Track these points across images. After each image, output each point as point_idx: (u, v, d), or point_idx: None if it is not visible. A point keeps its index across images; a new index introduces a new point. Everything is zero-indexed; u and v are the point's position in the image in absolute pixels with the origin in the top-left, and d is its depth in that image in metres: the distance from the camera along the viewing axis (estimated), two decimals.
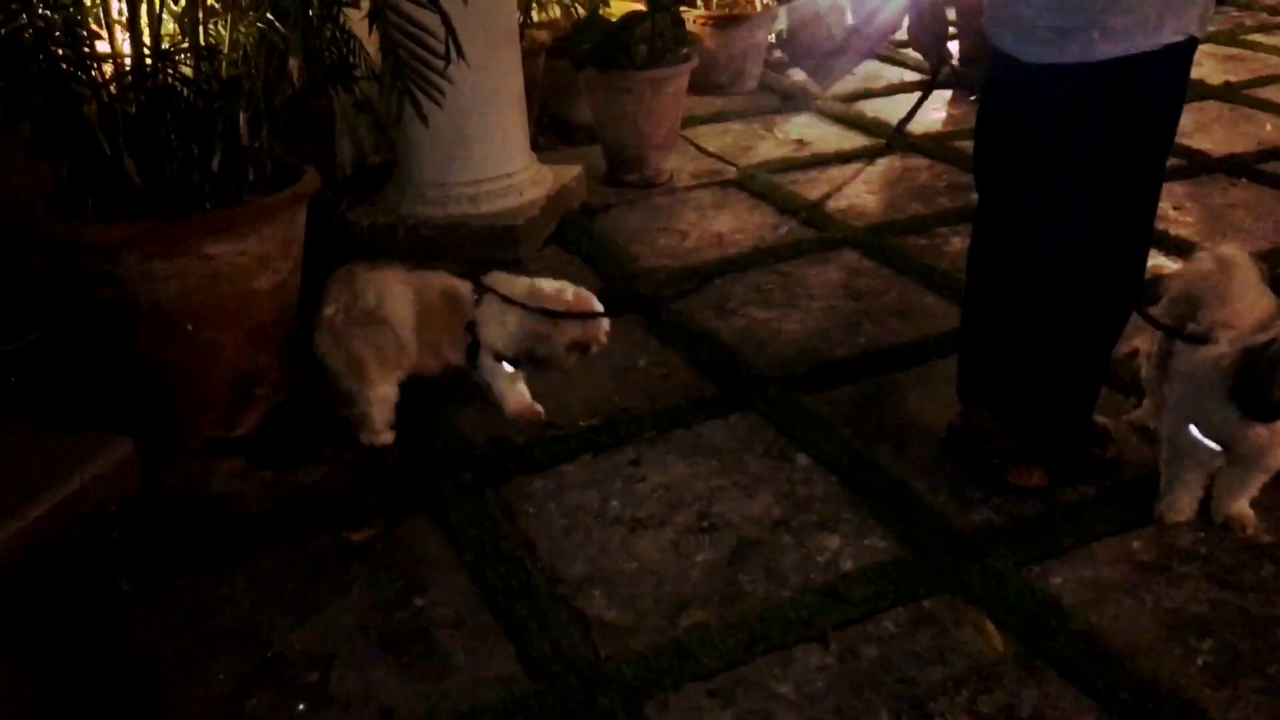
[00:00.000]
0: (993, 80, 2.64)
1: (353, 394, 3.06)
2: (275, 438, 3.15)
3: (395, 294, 3.02)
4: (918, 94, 3.08)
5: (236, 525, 2.82)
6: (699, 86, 5.82)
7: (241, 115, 2.95)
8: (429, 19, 2.92)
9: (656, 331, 3.69)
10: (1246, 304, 2.68)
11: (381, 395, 3.07)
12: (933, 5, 2.82)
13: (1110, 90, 2.43)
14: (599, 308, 3.14)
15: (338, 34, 3.08)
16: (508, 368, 3.16)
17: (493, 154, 4.20)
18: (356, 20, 3.12)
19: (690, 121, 5.62)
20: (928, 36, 2.85)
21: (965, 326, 2.93)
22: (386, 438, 3.09)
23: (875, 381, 3.35)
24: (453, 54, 2.88)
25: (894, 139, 2.80)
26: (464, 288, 3.11)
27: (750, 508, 2.81)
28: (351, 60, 3.20)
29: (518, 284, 3.12)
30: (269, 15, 2.85)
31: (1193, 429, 2.60)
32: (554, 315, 3.04)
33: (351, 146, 4.65)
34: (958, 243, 4.21)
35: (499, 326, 3.07)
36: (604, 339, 3.16)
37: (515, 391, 3.21)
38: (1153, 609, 2.44)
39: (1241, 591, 2.47)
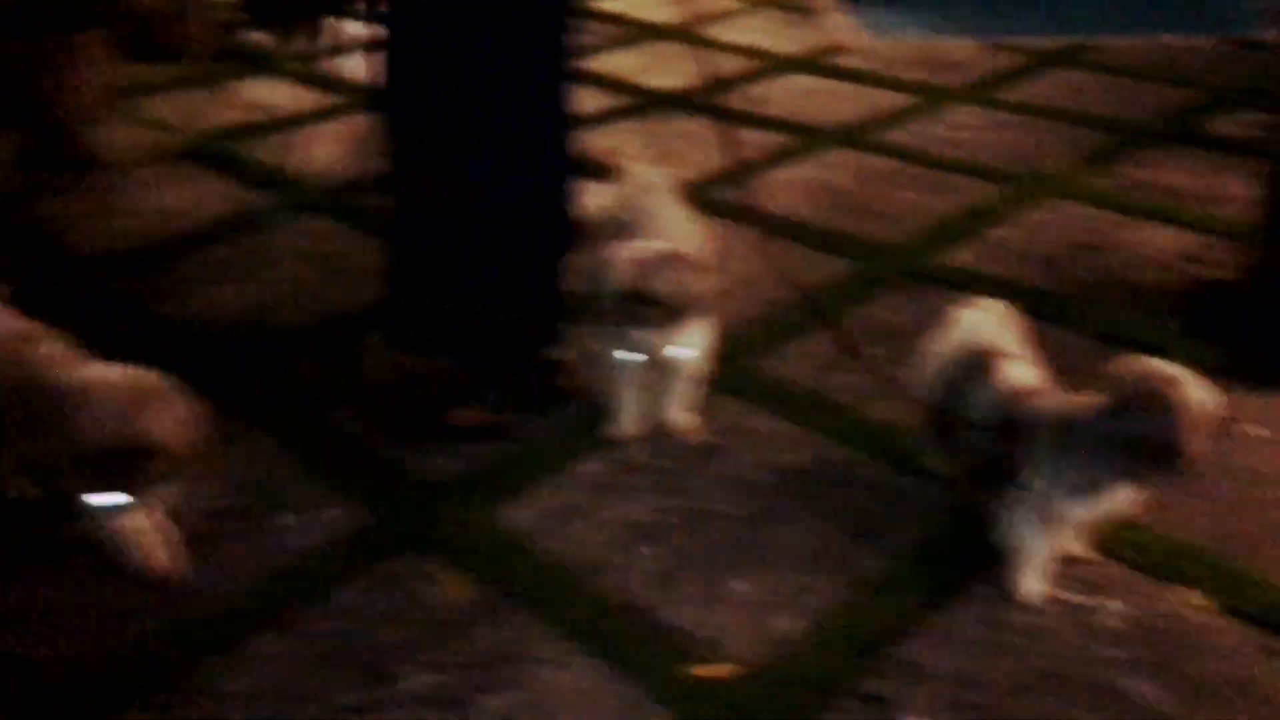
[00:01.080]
0: (391, 12, 2.56)
1: None
2: None
3: None
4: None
5: None
6: (144, 53, 5.33)
7: None
8: None
9: (101, 324, 3.31)
10: (669, 220, 2.84)
11: None
12: None
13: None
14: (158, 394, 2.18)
15: None
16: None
17: None
18: None
19: (134, 91, 5.12)
20: None
21: (392, 273, 2.84)
22: None
23: (342, 345, 3.22)
24: None
25: None
26: (65, 368, 2.21)
27: (200, 499, 2.58)
28: None
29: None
30: None
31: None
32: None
33: None
34: None
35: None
36: (180, 439, 2.17)
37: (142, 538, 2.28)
38: (607, 526, 2.52)
39: (685, 494, 2.62)
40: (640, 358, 2.70)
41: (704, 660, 2.15)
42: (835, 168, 4.46)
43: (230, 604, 2.29)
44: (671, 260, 2.53)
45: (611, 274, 2.49)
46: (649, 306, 2.50)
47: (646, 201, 2.93)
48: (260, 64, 5.70)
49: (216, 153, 4.56)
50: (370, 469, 2.69)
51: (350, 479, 2.65)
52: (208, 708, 2.06)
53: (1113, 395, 2.08)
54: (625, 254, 2.52)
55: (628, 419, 2.79)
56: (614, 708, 2.06)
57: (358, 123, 4.93)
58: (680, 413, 2.82)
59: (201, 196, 4.18)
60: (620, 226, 2.84)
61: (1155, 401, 2.01)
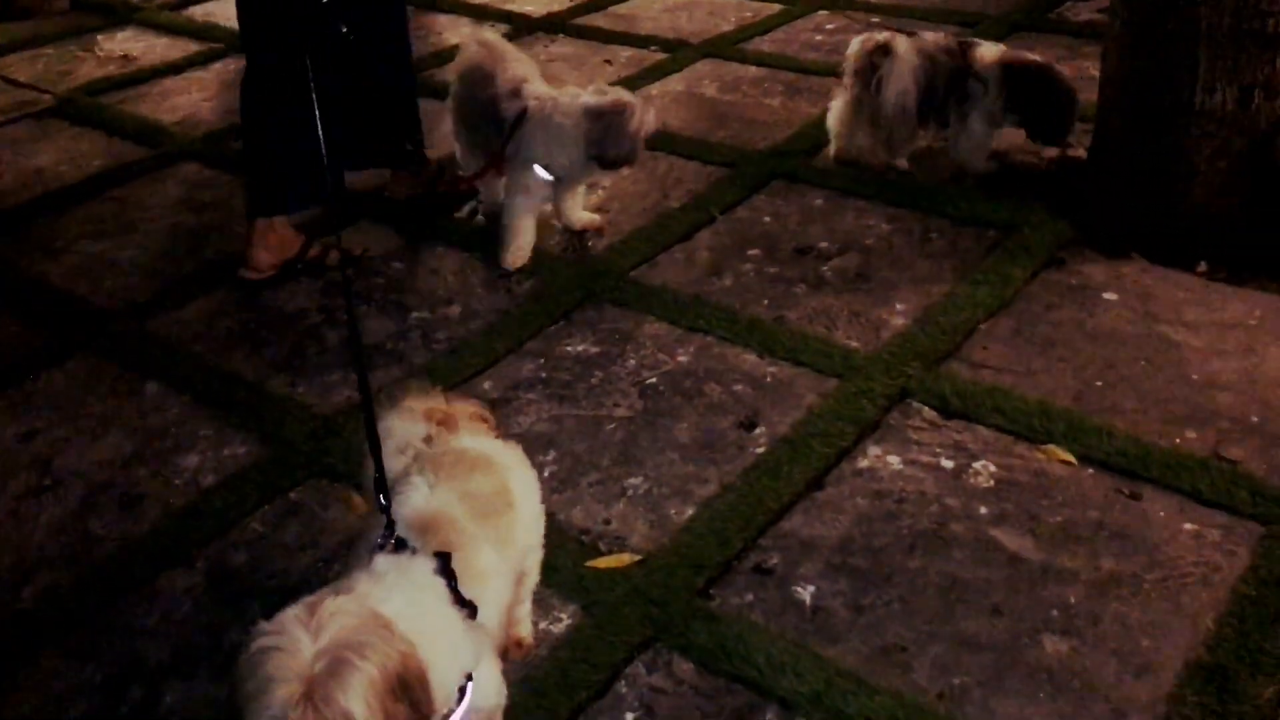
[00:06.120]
0: None
1: None
2: None
3: None
4: None
5: None
6: None
7: None
8: None
9: None
10: (522, 66, 3.33)
11: None
12: None
13: None
14: None
15: None
16: None
17: None
18: None
19: None
20: None
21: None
22: None
23: (227, 290, 3.23)
24: None
25: None
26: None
27: (98, 451, 2.61)
28: None
29: None
30: None
31: (539, 170, 3.20)
32: None
33: None
34: None
35: None
36: None
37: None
38: (505, 438, 2.59)
39: (576, 402, 2.71)
40: (549, 176, 3.21)
41: (607, 553, 2.26)
42: (706, 79, 4.53)
43: (137, 547, 2.33)
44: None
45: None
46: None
47: (494, 54, 3.38)
48: (120, 15, 5.55)
49: (84, 108, 4.47)
50: (268, 406, 2.73)
51: (248, 418, 2.69)
52: (121, 644, 2.11)
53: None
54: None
55: (522, 247, 3.26)
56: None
57: (226, 69, 4.86)
58: (585, 214, 3.44)
59: (72, 153, 4.11)
60: (483, 77, 3.33)
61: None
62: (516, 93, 3.25)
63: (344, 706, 1.30)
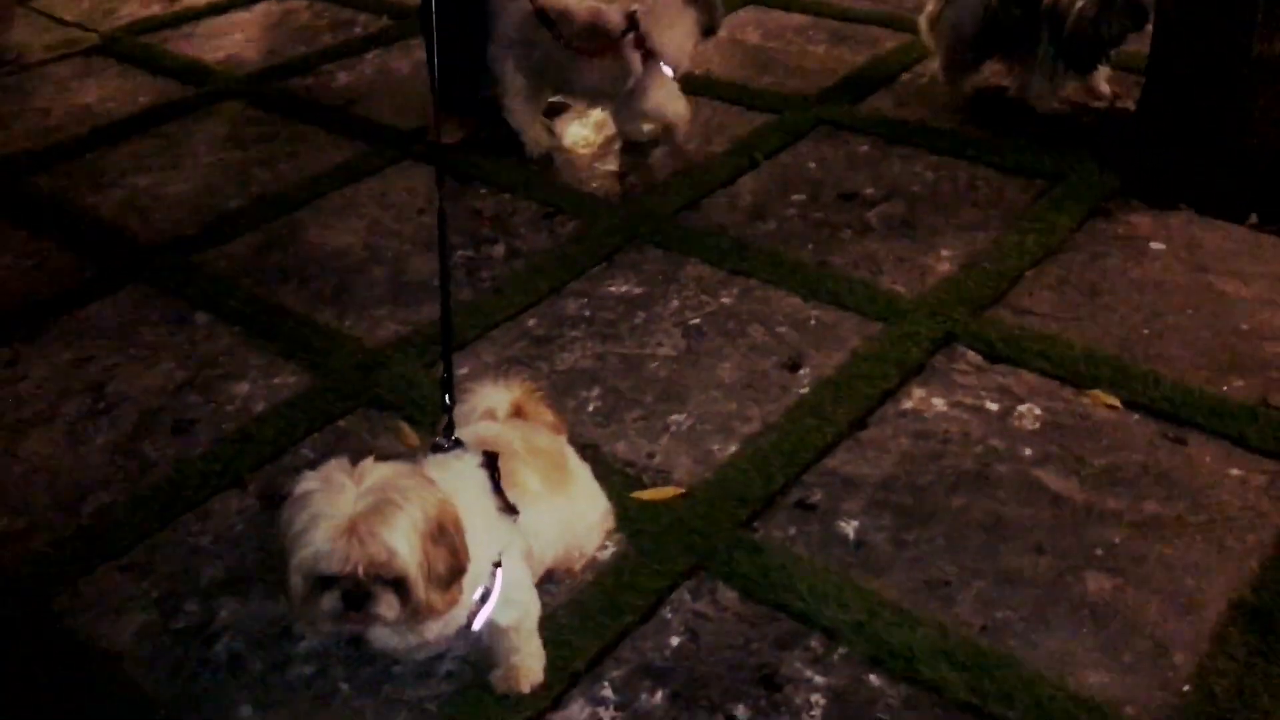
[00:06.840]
0: None
1: None
2: None
3: None
4: None
5: None
6: None
7: None
8: None
9: (23, 221, 3.32)
10: None
11: None
12: None
13: None
14: None
15: None
16: None
17: None
18: None
19: None
20: None
21: None
22: None
23: (273, 226, 3.26)
24: None
25: None
26: None
27: (150, 378, 2.65)
28: None
29: None
30: None
31: (665, 67, 3.40)
32: None
33: None
34: (344, 77, 4.15)
35: None
36: None
37: None
38: (549, 373, 2.63)
39: (619, 340, 2.72)
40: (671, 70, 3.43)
41: (650, 485, 2.28)
42: (749, 26, 4.50)
43: (190, 469, 2.37)
44: None
45: None
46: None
47: None
48: None
49: (130, 47, 4.49)
50: (317, 338, 2.76)
51: (297, 349, 2.72)
52: (176, 562, 2.16)
53: None
54: None
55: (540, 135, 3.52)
56: None
57: (269, 10, 4.87)
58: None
59: (118, 91, 4.14)
60: None
61: None
62: (599, 12, 3.41)
63: (387, 541, 1.37)
